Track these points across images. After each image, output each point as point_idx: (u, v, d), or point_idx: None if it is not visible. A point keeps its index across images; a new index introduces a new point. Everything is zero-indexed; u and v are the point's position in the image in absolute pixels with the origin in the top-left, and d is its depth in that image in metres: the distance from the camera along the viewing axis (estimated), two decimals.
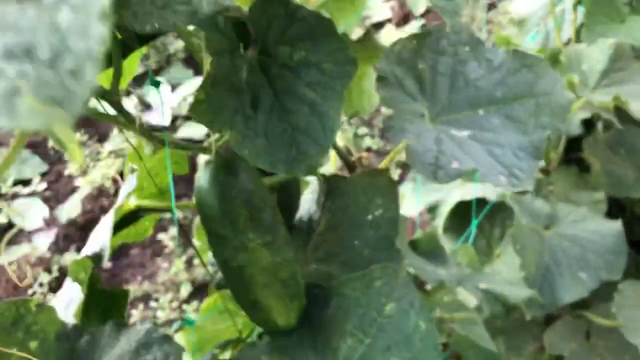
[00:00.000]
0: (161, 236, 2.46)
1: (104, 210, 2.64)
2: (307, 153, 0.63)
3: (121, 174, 2.77)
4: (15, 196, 2.73)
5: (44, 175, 2.90)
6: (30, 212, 2.56)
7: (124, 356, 0.67)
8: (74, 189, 2.73)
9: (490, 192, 1.57)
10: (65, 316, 0.74)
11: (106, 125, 3.12)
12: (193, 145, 0.75)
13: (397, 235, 0.90)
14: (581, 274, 1.32)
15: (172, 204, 0.83)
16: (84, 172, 2.82)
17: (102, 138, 3.04)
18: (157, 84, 0.72)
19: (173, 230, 2.47)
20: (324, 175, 0.91)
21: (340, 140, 0.95)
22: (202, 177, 0.75)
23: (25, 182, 2.82)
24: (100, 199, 2.68)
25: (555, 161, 1.80)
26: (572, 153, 1.68)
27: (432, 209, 1.68)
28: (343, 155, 0.93)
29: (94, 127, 3.04)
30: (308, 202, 0.98)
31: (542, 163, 1.88)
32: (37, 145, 3.04)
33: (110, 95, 0.63)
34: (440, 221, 1.66)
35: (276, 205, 0.80)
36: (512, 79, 0.91)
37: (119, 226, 0.83)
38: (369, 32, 1.06)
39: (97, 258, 0.74)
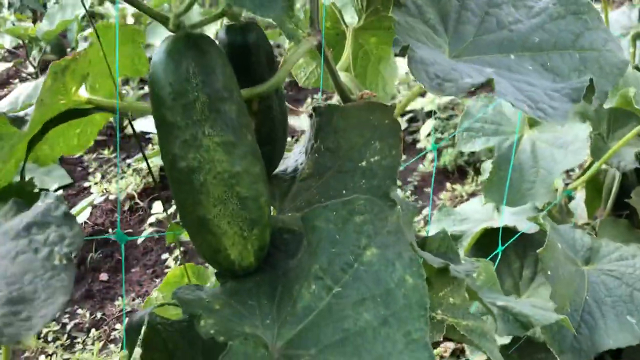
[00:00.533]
0: (165, 256, 2.32)
1: (114, 225, 2.54)
2: None
3: (142, 191, 2.68)
4: None
5: (66, 187, 2.83)
6: None
7: (9, 233, 0.52)
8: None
9: (521, 222, 1.39)
10: None
11: (130, 142, 3.09)
12: (152, 10, 0.62)
13: (394, 187, 0.74)
14: (629, 317, 1.10)
15: (116, 102, 0.70)
16: (105, 189, 2.74)
17: (128, 156, 3.01)
18: None
19: (177, 252, 2.33)
20: (317, 106, 0.77)
21: (342, 75, 0.81)
22: (158, 49, 0.62)
23: (44, 189, 2.75)
24: (113, 214, 2.58)
25: (603, 211, 1.61)
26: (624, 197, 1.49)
27: (455, 239, 1.50)
28: (342, 90, 0.79)
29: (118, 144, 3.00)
30: (297, 153, 0.83)
31: (584, 214, 1.70)
32: (65, 160, 3.01)
33: None
34: (461, 253, 1.47)
35: (246, 111, 0.66)
36: (553, 26, 0.77)
37: (60, 118, 0.70)
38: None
39: (17, 120, 0.61)
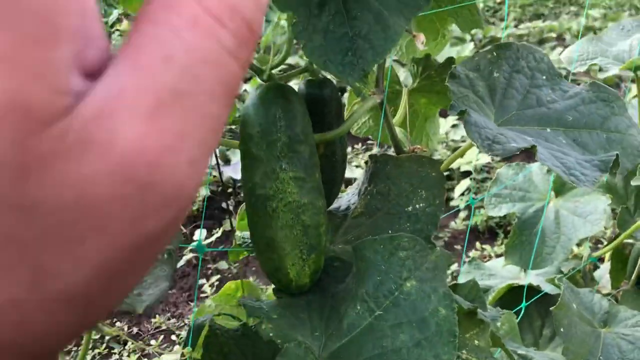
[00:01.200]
0: (202, 281, 2.44)
1: None
2: (363, 57, 0.62)
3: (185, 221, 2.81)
4: None
5: None
6: None
7: None
8: None
9: (545, 283, 1.47)
10: None
11: None
12: (251, 63, 0.75)
13: (434, 232, 0.85)
14: None
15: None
16: None
17: None
18: None
19: (214, 278, 2.44)
20: (373, 155, 0.89)
21: (397, 131, 0.93)
22: (251, 95, 0.75)
23: None
24: None
25: (627, 283, 1.68)
26: None
27: (482, 291, 1.57)
28: (397, 142, 0.91)
29: None
30: (350, 194, 0.95)
31: (608, 285, 1.76)
32: None
33: None
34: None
35: (317, 153, 0.78)
36: (585, 108, 0.89)
37: None
38: (452, 60, 1.06)
39: None
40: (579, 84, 0.92)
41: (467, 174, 3.53)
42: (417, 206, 0.86)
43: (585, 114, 0.87)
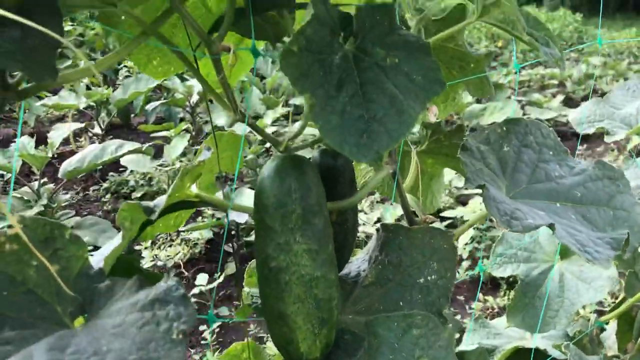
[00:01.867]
0: (202, 327, 2.41)
1: None
2: (377, 141, 0.62)
3: (188, 261, 2.80)
4: None
5: None
6: (103, 252, 2.60)
7: (136, 304, 0.64)
8: None
9: (551, 348, 1.45)
10: (97, 262, 0.72)
11: None
12: (269, 135, 0.76)
13: (446, 305, 0.84)
14: None
15: (230, 203, 0.83)
16: (155, 255, 2.87)
17: None
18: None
19: (215, 324, 2.41)
20: (385, 224, 0.88)
21: (408, 198, 0.93)
22: (267, 166, 0.75)
23: (97, 248, 2.91)
24: None
25: (634, 345, 1.65)
26: None
27: (487, 352, 1.55)
28: (408, 212, 0.90)
29: None
30: (360, 260, 0.94)
31: (615, 346, 1.74)
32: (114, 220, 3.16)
33: None
34: None
35: (330, 224, 0.78)
36: (592, 185, 0.90)
37: (170, 208, 0.83)
38: (462, 127, 1.07)
39: (148, 210, 0.74)
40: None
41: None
42: (429, 278, 0.86)
43: (593, 190, 0.89)
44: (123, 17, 0.69)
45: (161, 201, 0.74)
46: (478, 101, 6.64)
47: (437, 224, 3.47)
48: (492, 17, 0.73)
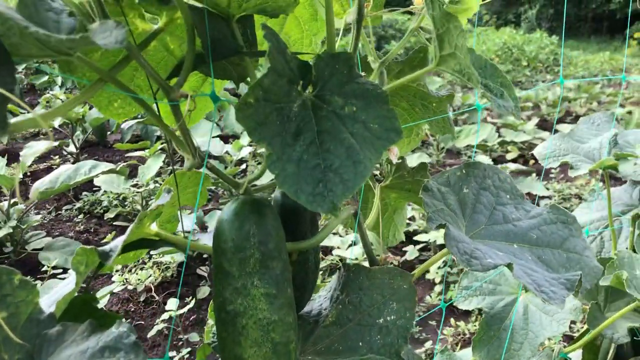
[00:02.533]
0: (172, 354, 2.37)
1: (127, 314, 2.61)
2: (333, 191, 0.63)
3: (159, 284, 2.77)
4: (52, 276, 2.77)
5: None
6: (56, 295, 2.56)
7: (86, 352, 0.63)
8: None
9: None
10: (48, 305, 0.72)
11: None
12: (228, 177, 0.76)
13: (405, 346, 0.85)
14: None
15: (188, 243, 0.83)
16: (126, 279, 2.84)
17: None
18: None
19: (185, 351, 2.38)
20: (346, 264, 0.89)
21: (370, 236, 0.94)
22: (226, 208, 0.75)
23: (66, 270, 2.87)
24: (129, 303, 2.66)
25: None
26: None
27: None
28: (369, 252, 0.91)
29: None
30: (322, 298, 0.95)
31: None
32: (89, 243, 3.13)
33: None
34: None
35: (289, 266, 0.78)
36: (547, 228, 0.93)
37: (131, 245, 0.83)
38: (425, 165, 1.09)
39: (104, 254, 0.74)
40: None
41: (443, 246, 3.54)
42: (389, 318, 0.86)
43: (548, 233, 0.92)
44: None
45: (118, 244, 0.74)
46: (454, 123, 6.73)
47: (410, 247, 3.49)
48: (449, 67, 0.75)
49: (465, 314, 2.96)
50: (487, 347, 1.36)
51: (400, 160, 1.05)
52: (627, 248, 1.63)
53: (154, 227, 0.85)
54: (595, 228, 1.74)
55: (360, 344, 0.85)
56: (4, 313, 0.65)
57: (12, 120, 0.59)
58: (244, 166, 4.29)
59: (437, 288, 3.12)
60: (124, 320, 0.69)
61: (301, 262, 0.88)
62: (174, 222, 0.92)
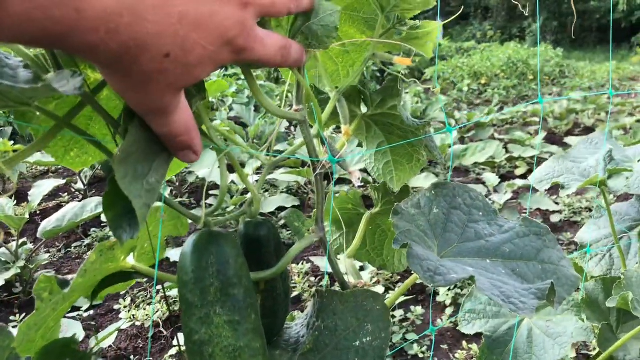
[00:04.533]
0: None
1: (136, 351, 2.61)
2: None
3: (165, 321, 2.77)
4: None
5: (95, 307, 2.95)
6: (66, 333, 2.56)
7: None
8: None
9: None
10: None
11: (162, 266, 3.20)
12: (185, 211, 0.77)
13: None
14: None
15: (155, 273, 0.83)
16: (133, 316, 2.84)
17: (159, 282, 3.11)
18: None
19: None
20: (319, 290, 0.89)
21: (342, 265, 0.94)
22: (187, 242, 0.76)
23: (76, 308, 2.88)
24: (137, 340, 2.66)
25: None
26: None
27: None
28: (340, 277, 0.91)
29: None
30: (299, 325, 0.95)
31: None
32: None
33: None
34: None
35: (253, 293, 0.78)
36: (520, 241, 0.93)
37: (109, 279, 0.84)
38: (407, 188, 1.09)
39: (63, 283, 0.75)
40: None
41: None
42: (364, 340, 0.86)
43: (521, 246, 0.91)
44: (38, 113, 0.71)
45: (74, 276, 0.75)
46: (461, 141, 6.72)
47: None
48: None
49: (477, 336, 2.91)
50: None
51: (382, 185, 1.05)
52: (637, 264, 1.60)
53: (130, 261, 0.86)
54: (603, 245, 1.71)
55: None
56: None
57: None
58: (249, 195, 4.30)
59: (448, 311, 3.09)
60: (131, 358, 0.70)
61: (269, 290, 0.88)
62: (151, 255, 0.93)
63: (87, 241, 3.89)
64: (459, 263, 0.88)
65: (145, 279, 3.20)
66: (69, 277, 0.81)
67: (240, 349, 0.74)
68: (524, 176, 5.58)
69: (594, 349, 2.71)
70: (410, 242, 0.82)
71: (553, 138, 7.11)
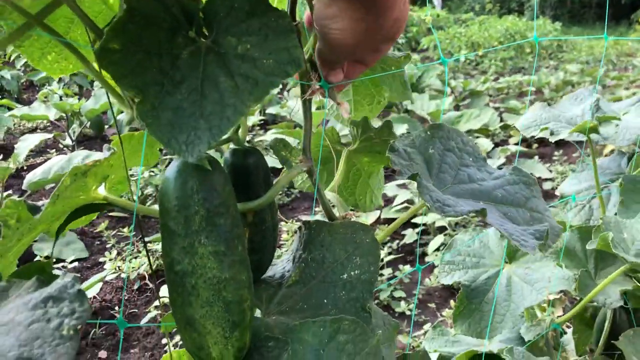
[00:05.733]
0: (165, 341, 2.36)
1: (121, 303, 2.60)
2: (200, 138, 0.59)
3: (151, 274, 2.75)
4: None
5: (82, 260, 2.93)
6: None
7: (28, 303, 0.61)
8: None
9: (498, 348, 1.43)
10: None
11: (149, 222, 3.18)
12: None
13: (370, 300, 0.82)
14: None
15: (135, 204, 0.80)
16: (118, 267, 2.82)
17: (148, 233, 3.10)
18: None
19: (178, 337, 2.37)
20: (306, 221, 0.86)
21: (330, 195, 0.91)
22: (169, 168, 0.72)
23: (60, 260, 2.86)
24: (122, 292, 2.64)
25: (595, 346, 1.64)
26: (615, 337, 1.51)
27: None
28: (328, 210, 0.88)
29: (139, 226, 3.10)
30: (285, 261, 0.92)
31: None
32: (85, 233, 3.12)
33: None
34: None
35: (240, 224, 0.75)
36: (511, 188, 0.93)
37: (79, 210, 0.80)
38: (389, 123, 1.05)
39: (33, 208, 0.71)
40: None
41: (442, 229, 3.50)
42: (352, 273, 0.83)
43: (512, 192, 0.92)
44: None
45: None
46: (456, 108, 6.67)
47: (409, 231, 3.46)
48: None
49: None
50: (468, 320, 1.33)
51: (363, 120, 1.01)
52: (615, 213, 1.60)
53: (102, 191, 0.82)
54: (583, 197, 1.71)
55: (325, 300, 0.82)
56: None
57: None
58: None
59: (436, 271, 3.09)
60: (73, 274, 0.66)
61: (257, 223, 0.85)
62: (123, 184, 0.89)
63: None
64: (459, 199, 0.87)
65: (131, 232, 3.17)
66: (40, 203, 0.78)
67: (225, 280, 0.71)
68: (517, 144, 5.56)
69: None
70: (419, 173, 0.79)
71: None
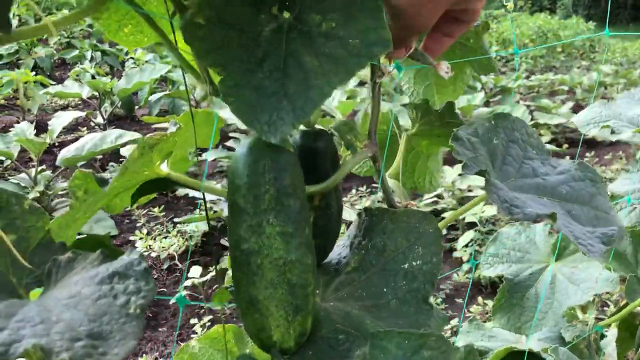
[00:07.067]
0: (194, 321, 2.37)
1: None
2: (283, 119, 0.58)
3: (183, 253, 2.77)
4: None
5: (112, 237, 2.95)
6: None
7: (95, 277, 0.60)
8: None
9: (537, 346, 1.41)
10: None
11: (179, 204, 3.19)
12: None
13: (432, 292, 0.80)
14: None
15: (202, 183, 0.79)
16: (149, 246, 2.84)
17: (175, 216, 3.11)
18: None
19: (206, 318, 2.37)
20: (368, 208, 0.84)
21: (390, 182, 0.89)
22: (241, 144, 0.71)
23: None
24: (152, 272, 2.67)
25: (635, 354, 1.60)
26: None
27: (480, 354, 1.51)
28: (390, 197, 0.87)
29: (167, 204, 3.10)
30: (340, 247, 0.91)
31: (614, 354, 1.70)
32: None
33: None
34: None
35: (308, 206, 0.74)
36: (575, 184, 0.89)
37: (148, 184, 0.79)
38: (452, 105, 1.02)
39: (102, 181, 0.71)
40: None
41: (472, 225, 3.47)
42: (414, 263, 0.82)
43: (577, 189, 0.88)
44: None
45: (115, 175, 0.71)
46: (486, 105, 6.59)
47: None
48: None
49: (494, 293, 2.89)
50: (508, 314, 1.31)
51: (424, 102, 0.99)
52: None
53: (164, 168, 0.82)
54: (635, 198, 1.67)
55: (385, 289, 0.81)
56: (13, 236, 0.63)
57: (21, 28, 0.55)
58: None
59: (465, 267, 3.06)
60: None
61: (323, 207, 0.83)
62: (186, 162, 0.88)
63: (104, 175, 3.88)
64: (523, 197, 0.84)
65: (162, 212, 3.19)
66: (108, 175, 0.77)
67: (291, 262, 0.70)
68: (548, 143, 5.49)
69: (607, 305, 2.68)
70: (488, 170, 0.77)
71: (579, 110, 6.94)
